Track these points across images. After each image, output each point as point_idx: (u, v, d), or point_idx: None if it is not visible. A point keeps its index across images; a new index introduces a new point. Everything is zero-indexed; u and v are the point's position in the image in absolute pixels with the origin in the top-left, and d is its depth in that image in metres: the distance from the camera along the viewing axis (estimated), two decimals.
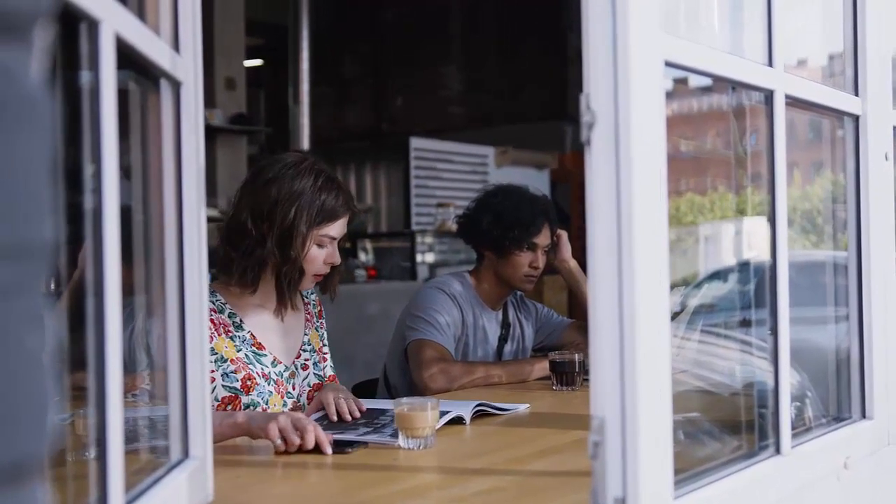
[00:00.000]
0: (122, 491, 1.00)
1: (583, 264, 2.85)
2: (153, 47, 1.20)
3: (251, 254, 2.25)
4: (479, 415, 2.22)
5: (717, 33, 1.67)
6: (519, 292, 3.18)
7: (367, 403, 2.26)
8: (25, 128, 0.60)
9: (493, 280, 3.06)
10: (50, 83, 0.64)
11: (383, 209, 8.35)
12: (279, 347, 2.36)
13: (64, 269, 1.18)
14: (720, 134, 1.95)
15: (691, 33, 1.45)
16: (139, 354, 1.51)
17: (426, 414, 1.87)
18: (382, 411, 2.18)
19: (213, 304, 2.28)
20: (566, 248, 3.13)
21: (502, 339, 3.12)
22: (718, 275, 2.44)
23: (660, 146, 1.17)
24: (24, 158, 0.60)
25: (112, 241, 0.98)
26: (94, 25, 0.96)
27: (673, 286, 1.21)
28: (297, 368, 2.39)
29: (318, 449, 1.88)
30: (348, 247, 6.69)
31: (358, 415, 2.14)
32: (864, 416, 1.79)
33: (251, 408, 2.22)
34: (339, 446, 1.89)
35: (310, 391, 2.39)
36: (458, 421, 2.13)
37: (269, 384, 2.28)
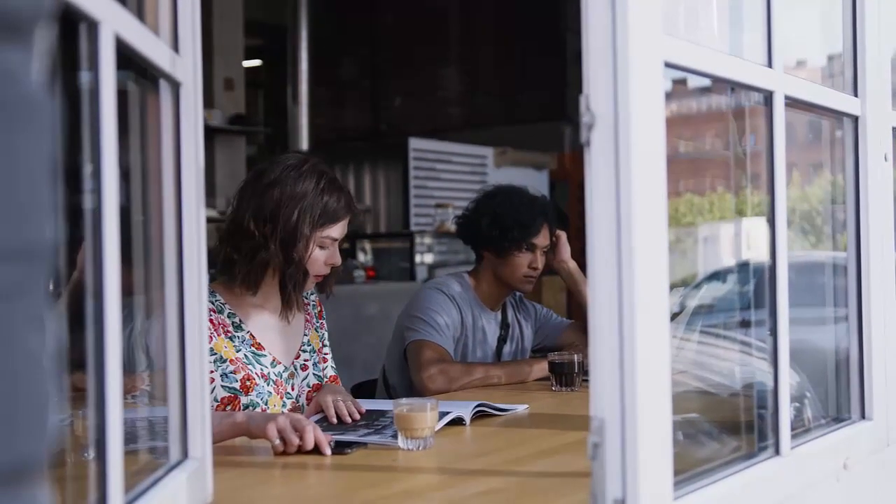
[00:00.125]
0: (121, 492, 1.00)
1: (582, 265, 2.85)
2: (153, 48, 1.20)
3: (254, 256, 2.25)
4: (479, 415, 2.22)
5: (716, 34, 1.67)
6: (518, 293, 3.18)
7: (367, 404, 2.26)
8: (27, 129, 0.60)
9: (492, 281, 3.06)
10: (50, 84, 0.64)
11: (382, 210, 8.35)
12: (278, 348, 2.36)
13: (63, 269, 1.17)
14: (719, 135, 1.95)
15: (691, 34, 1.45)
16: (138, 355, 1.51)
17: (425, 415, 1.87)
18: (382, 412, 2.18)
19: (213, 304, 2.28)
20: (565, 249, 3.12)
21: (501, 340, 3.12)
22: (717, 275, 2.44)
23: (659, 147, 1.17)
24: (26, 159, 0.60)
25: (112, 242, 0.98)
26: (93, 26, 0.96)
27: (672, 287, 1.21)
28: (296, 369, 2.39)
29: (317, 450, 1.88)
30: (347, 247, 6.68)
31: (357, 417, 2.14)
32: (863, 416, 1.79)
33: (250, 408, 2.22)
34: (338, 447, 1.89)
35: (309, 392, 2.39)
36: (457, 422, 2.13)
37: (268, 385, 2.28)
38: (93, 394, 0.98)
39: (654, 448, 1.14)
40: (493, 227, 2.98)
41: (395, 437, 1.91)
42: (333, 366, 2.53)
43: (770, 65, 1.49)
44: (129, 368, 1.24)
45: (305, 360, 2.42)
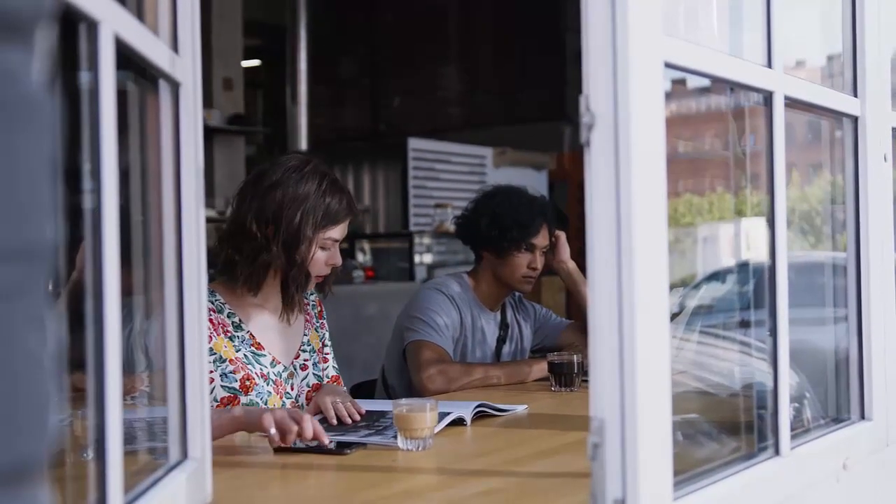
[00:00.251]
0: (121, 492, 1.00)
1: (581, 265, 2.85)
2: (152, 48, 1.20)
3: (256, 258, 2.25)
4: (478, 416, 2.21)
5: (716, 34, 1.67)
6: (517, 293, 3.18)
7: (367, 405, 2.26)
8: (27, 129, 0.60)
9: (491, 281, 3.06)
10: (50, 84, 0.64)
11: (381, 210, 8.35)
12: (278, 348, 2.36)
13: (62, 269, 1.17)
14: (718, 135, 1.95)
15: (690, 34, 1.45)
16: (137, 355, 1.51)
17: (425, 415, 1.87)
18: (383, 413, 2.18)
19: (213, 303, 2.28)
20: (564, 249, 3.12)
21: (500, 340, 3.11)
22: (717, 276, 2.44)
23: (659, 147, 1.17)
24: (26, 159, 0.60)
25: (111, 242, 0.98)
26: (93, 26, 0.96)
27: (671, 287, 1.21)
28: (296, 369, 2.39)
29: (316, 450, 1.88)
30: (345, 248, 6.68)
31: (357, 417, 2.14)
32: (863, 417, 1.79)
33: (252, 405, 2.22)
34: (339, 447, 1.89)
35: (309, 391, 2.39)
36: (457, 422, 2.13)
37: (267, 384, 2.28)
38: (92, 394, 0.98)
39: (654, 448, 1.14)
40: (493, 227, 2.98)
41: (396, 437, 1.91)
42: (335, 366, 2.53)
43: (770, 65, 1.49)
44: (128, 369, 1.24)
45: (305, 360, 2.42)
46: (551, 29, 8.71)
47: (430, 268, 7.09)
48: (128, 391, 1.23)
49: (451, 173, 7.99)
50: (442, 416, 2.04)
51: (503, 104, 9.24)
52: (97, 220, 0.97)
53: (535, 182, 7.07)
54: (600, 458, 1.12)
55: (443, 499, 1.59)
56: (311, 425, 1.86)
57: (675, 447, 1.19)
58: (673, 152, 1.26)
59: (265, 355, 2.31)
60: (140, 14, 1.21)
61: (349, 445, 1.90)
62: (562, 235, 3.13)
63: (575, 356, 2.69)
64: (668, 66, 1.21)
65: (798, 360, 1.60)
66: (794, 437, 1.52)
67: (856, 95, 1.79)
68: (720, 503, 1.32)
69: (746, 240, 1.87)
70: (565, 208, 7.10)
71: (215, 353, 2.22)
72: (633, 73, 1.11)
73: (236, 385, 2.23)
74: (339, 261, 2.35)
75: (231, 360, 2.24)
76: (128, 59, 1.11)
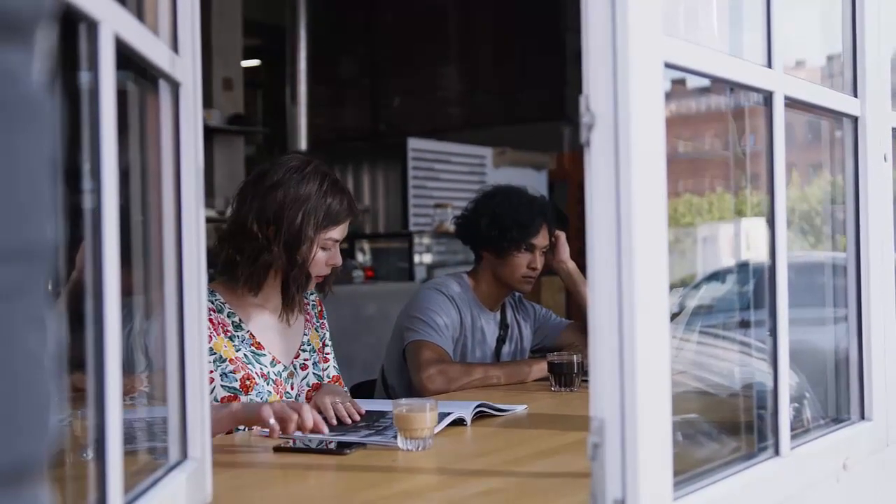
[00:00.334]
0: (120, 492, 1.00)
1: (581, 265, 2.85)
2: (152, 48, 1.20)
3: (257, 258, 2.25)
4: (478, 416, 2.21)
5: (716, 34, 1.67)
6: (517, 293, 3.18)
7: (366, 405, 2.26)
8: (27, 129, 0.60)
9: (491, 281, 3.06)
10: (51, 84, 0.64)
11: (381, 210, 8.35)
12: (278, 347, 2.36)
13: (62, 269, 1.17)
14: (718, 135, 1.95)
15: (690, 34, 1.45)
16: (137, 355, 1.51)
17: (425, 415, 1.87)
18: (383, 413, 2.18)
19: (213, 303, 2.28)
20: (564, 249, 3.12)
21: (500, 340, 3.11)
22: (717, 276, 2.44)
23: (659, 147, 1.17)
24: (26, 160, 0.60)
25: (111, 242, 0.98)
26: (93, 26, 0.96)
27: (671, 287, 1.21)
28: (296, 368, 2.39)
29: (316, 450, 1.88)
30: (345, 248, 6.68)
31: (357, 418, 2.14)
32: (863, 417, 1.79)
33: None
34: (339, 447, 1.89)
35: (309, 391, 2.39)
36: (457, 422, 2.13)
37: (267, 384, 2.28)
38: (92, 394, 0.98)
39: (654, 448, 1.14)
40: (492, 227, 2.98)
41: (396, 437, 1.91)
42: (336, 366, 2.54)
43: (770, 65, 1.49)
44: (127, 369, 1.24)
45: (305, 360, 2.42)
46: (551, 29, 8.71)
47: (430, 268, 7.09)
48: (127, 391, 1.23)
49: (450, 173, 7.99)
50: (442, 416, 2.04)
51: (503, 104, 9.24)
52: (97, 220, 0.97)
53: (534, 182, 7.07)
54: (600, 458, 1.12)
55: (443, 499, 1.59)
56: (310, 414, 1.87)
57: (675, 447, 1.19)
58: (673, 152, 1.26)
59: (265, 355, 2.32)
60: (140, 14, 1.21)
61: (349, 445, 1.90)
62: (562, 235, 3.13)
63: (575, 356, 2.69)
64: (668, 66, 1.21)
65: (798, 360, 1.60)
66: (794, 437, 1.52)
67: (856, 95, 1.79)
68: (720, 503, 1.32)
69: (746, 240, 1.87)
70: (565, 208, 7.11)
71: (215, 353, 2.22)
72: (633, 73, 1.11)
73: (236, 385, 2.23)
74: (339, 261, 2.35)
75: (231, 360, 2.25)
76: (128, 58, 1.10)
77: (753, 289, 1.73)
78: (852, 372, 1.81)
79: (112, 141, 0.98)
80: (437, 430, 1.96)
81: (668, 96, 1.21)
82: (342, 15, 9.85)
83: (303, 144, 8.03)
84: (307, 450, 1.89)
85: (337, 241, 2.33)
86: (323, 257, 2.31)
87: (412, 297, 3.04)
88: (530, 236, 2.98)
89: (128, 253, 1.22)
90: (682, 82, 1.43)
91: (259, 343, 2.32)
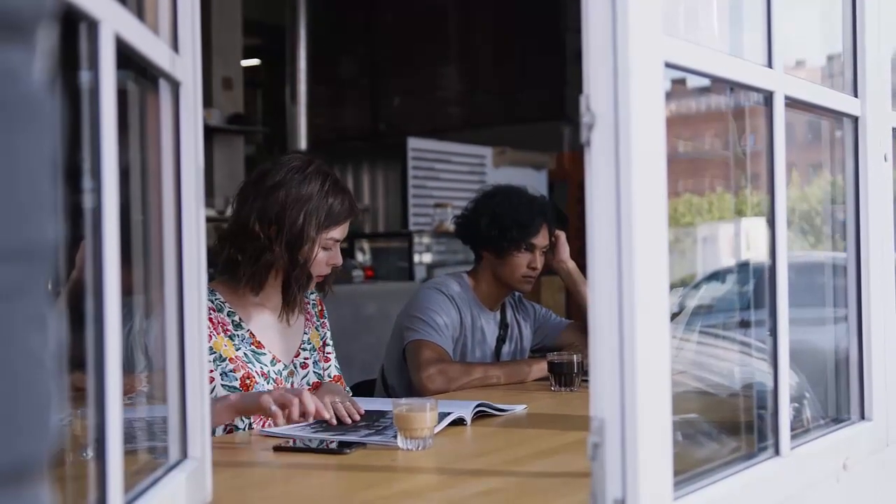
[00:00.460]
0: (121, 491, 1.00)
1: (581, 265, 2.85)
2: (152, 47, 1.20)
3: (258, 258, 2.26)
4: (478, 415, 2.21)
5: (716, 34, 1.67)
6: (517, 293, 3.18)
7: (367, 404, 2.26)
8: (29, 129, 0.60)
9: (491, 281, 3.06)
10: (51, 83, 0.64)
11: (381, 209, 8.35)
12: (278, 346, 2.36)
13: (62, 268, 1.17)
14: (718, 135, 1.95)
15: (691, 34, 1.45)
16: (137, 355, 1.51)
17: (425, 415, 1.86)
18: (383, 413, 2.18)
19: (213, 302, 2.28)
20: (564, 249, 3.13)
21: (500, 340, 3.11)
22: (717, 276, 2.44)
23: (660, 147, 1.17)
24: (28, 159, 0.60)
25: (111, 241, 0.98)
26: (93, 25, 0.96)
27: (671, 287, 1.21)
28: (296, 367, 2.39)
29: (316, 450, 1.88)
30: (345, 247, 6.67)
31: (357, 417, 2.14)
32: (863, 417, 1.79)
33: None
34: (338, 447, 1.89)
35: (309, 390, 2.39)
36: (457, 422, 2.13)
37: (268, 383, 2.28)
38: (93, 393, 0.98)
39: (654, 448, 1.14)
40: (492, 226, 2.98)
41: (396, 437, 1.91)
42: (337, 365, 2.54)
43: (770, 65, 1.49)
44: (127, 368, 1.24)
45: (305, 359, 2.42)
46: (551, 29, 8.71)
47: (430, 267, 7.09)
48: (127, 391, 1.23)
49: (450, 173, 7.99)
50: (442, 415, 2.04)
51: (503, 104, 9.24)
52: (97, 220, 0.97)
53: (534, 182, 7.07)
54: (600, 457, 1.12)
55: (442, 499, 1.59)
56: (311, 399, 1.87)
57: (675, 447, 1.19)
58: (673, 152, 1.26)
59: (265, 354, 2.32)
60: (140, 13, 1.21)
61: (349, 445, 1.90)
62: (561, 235, 3.13)
63: (575, 356, 2.69)
64: (669, 65, 1.21)
65: (798, 360, 1.60)
66: (794, 437, 1.52)
67: (856, 95, 1.79)
68: (720, 503, 1.32)
69: (746, 240, 1.87)
70: (565, 208, 7.11)
71: (215, 352, 2.23)
72: (634, 73, 1.11)
73: (236, 384, 2.23)
74: (339, 260, 2.36)
75: (231, 359, 2.25)
76: (128, 58, 1.10)
77: (753, 289, 1.73)
78: (852, 372, 1.81)
79: (112, 140, 0.98)
80: (437, 429, 1.96)
81: (669, 96, 1.21)
82: (342, 15, 9.85)
83: (303, 144, 8.03)
84: (307, 449, 1.89)
85: (338, 240, 2.34)
86: (324, 257, 2.32)
87: (412, 296, 3.04)
88: (530, 236, 2.98)
89: (128, 252, 1.22)
90: (682, 82, 1.43)
91: (259, 342, 2.32)
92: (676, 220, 1.56)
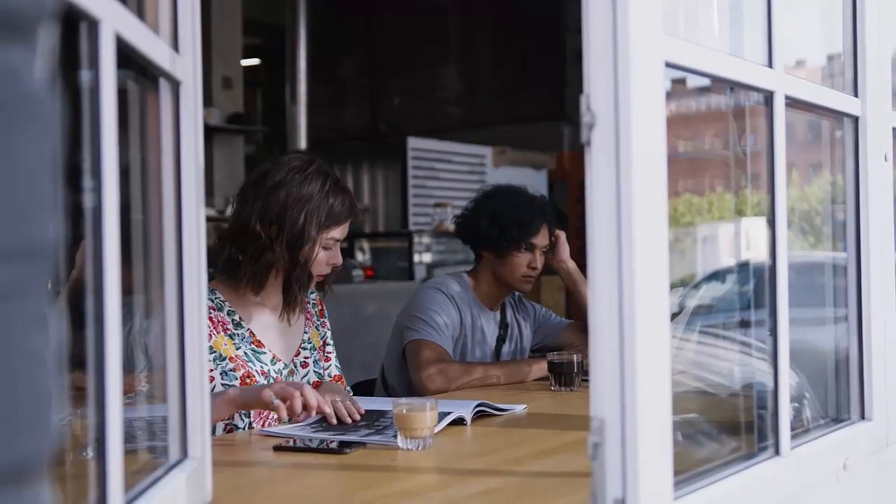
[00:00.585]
0: (121, 491, 1.00)
1: (581, 265, 2.85)
2: (153, 47, 1.20)
3: (259, 258, 2.26)
4: (478, 415, 2.21)
5: (716, 34, 1.67)
6: (517, 293, 3.18)
7: (367, 403, 2.26)
8: (30, 128, 0.60)
9: (491, 280, 3.06)
10: (52, 83, 0.64)
11: (381, 209, 8.35)
12: (278, 345, 2.37)
13: (62, 268, 1.17)
14: (718, 134, 1.95)
15: (691, 34, 1.45)
16: (136, 355, 1.51)
17: (425, 414, 1.86)
18: (383, 412, 2.18)
19: (212, 301, 2.28)
20: (564, 249, 3.13)
21: (500, 340, 3.11)
22: (717, 276, 2.44)
23: (660, 147, 1.17)
24: (29, 159, 0.60)
25: (112, 241, 0.98)
26: (94, 25, 0.96)
27: (671, 287, 1.21)
28: (296, 366, 2.39)
29: (316, 450, 1.88)
30: (345, 247, 6.67)
31: (357, 417, 2.14)
32: (863, 417, 1.79)
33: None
34: (338, 446, 1.89)
35: None
36: (457, 421, 2.13)
37: (268, 382, 2.28)
38: (93, 393, 0.98)
39: (655, 448, 1.14)
40: (492, 226, 2.98)
41: (396, 437, 1.91)
42: (338, 365, 2.54)
43: (770, 65, 1.49)
44: (127, 368, 1.24)
45: (306, 358, 2.42)
46: (551, 29, 8.71)
47: (430, 267, 7.09)
48: (127, 391, 1.23)
49: (450, 173, 7.99)
50: (442, 415, 2.04)
51: (503, 104, 9.24)
52: (98, 219, 0.97)
53: (534, 182, 7.06)
54: (600, 457, 1.12)
55: (442, 498, 1.59)
56: (312, 392, 1.88)
57: (675, 447, 1.19)
58: (673, 152, 1.26)
59: (265, 353, 2.32)
60: (141, 13, 1.21)
61: (349, 445, 1.90)
62: (561, 235, 3.13)
63: (575, 356, 2.69)
64: (669, 65, 1.21)
65: (798, 360, 1.60)
66: (794, 437, 1.52)
67: (856, 95, 1.79)
68: (720, 503, 1.32)
69: (746, 239, 1.87)
70: (565, 208, 7.11)
71: (215, 352, 2.23)
72: (634, 73, 1.11)
73: (236, 383, 2.23)
74: (340, 260, 2.36)
75: (231, 358, 2.25)
76: (128, 57, 1.10)
77: (753, 288, 1.73)
78: (852, 372, 1.81)
79: (113, 139, 0.98)
80: (436, 429, 1.96)
81: (669, 96, 1.21)
82: (342, 15, 9.85)
83: (302, 144, 8.03)
84: (307, 449, 1.89)
85: (338, 240, 2.34)
86: (324, 257, 2.32)
87: (412, 296, 3.04)
88: (530, 236, 2.98)
89: (128, 252, 1.22)
90: (682, 82, 1.43)
91: (259, 341, 2.32)
92: (676, 220, 1.56)
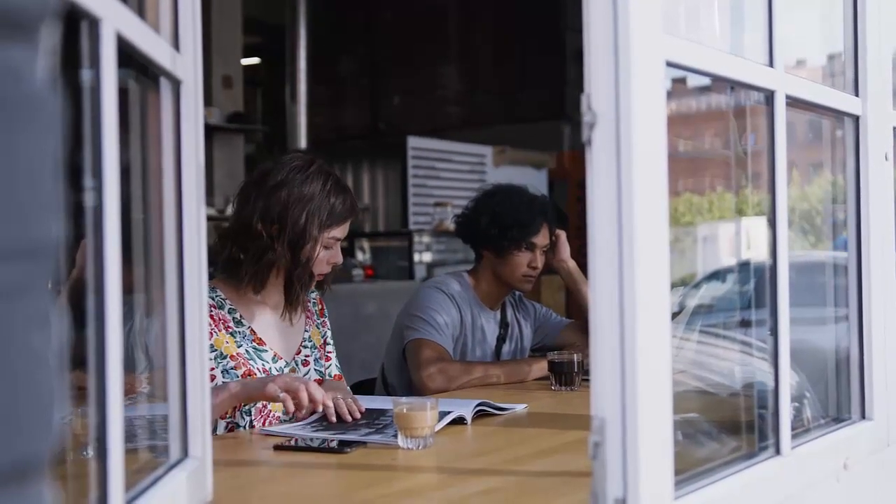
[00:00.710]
0: (121, 490, 1.00)
1: (581, 264, 2.85)
2: (154, 46, 1.20)
3: (261, 257, 2.26)
4: (478, 415, 2.21)
5: (717, 33, 1.67)
6: (517, 292, 3.17)
7: (367, 402, 2.26)
8: (32, 127, 0.60)
9: (491, 280, 3.06)
10: (53, 82, 0.64)
11: (381, 209, 8.35)
12: (279, 344, 2.37)
13: (63, 267, 1.17)
14: (719, 134, 1.95)
15: (692, 33, 1.45)
16: (137, 354, 1.51)
17: (425, 414, 1.87)
18: (383, 411, 2.18)
19: (213, 299, 2.28)
20: (565, 248, 3.12)
21: (500, 339, 3.11)
22: (717, 275, 2.44)
23: (661, 146, 1.17)
24: (31, 158, 0.60)
25: (113, 240, 0.98)
26: (95, 24, 0.96)
27: (672, 286, 1.21)
28: (297, 365, 2.39)
29: (316, 449, 1.88)
30: (345, 246, 6.66)
31: (358, 415, 2.14)
32: (863, 416, 1.79)
33: (251, 405, 2.22)
34: (339, 446, 1.89)
35: None
36: (457, 421, 2.13)
37: None
38: (94, 392, 0.98)
39: (655, 447, 1.14)
40: (493, 226, 2.98)
41: (396, 436, 1.91)
42: (337, 364, 2.54)
43: (771, 64, 1.49)
44: (128, 367, 1.24)
45: (307, 356, 2.43)
46: (551, 29, 8.70)
47: (430, 266, 7.09)
48: (127, 392, 1.23)
49: (450, 172, 7.99)
50: (442, 415, 2.04)
51: (503, 104, 9.24)
52: (98, 218, 0.97)
53: (534, 181, 7.06)
54: (601, 457, 1.12)
55: (443, 498, 1.59)
56: (316, 387, 1.89)
57: (675, 446, 1.19)
58: (673, 151, 1.26)
59: (266, 351, 2.32)
60: (141, 12, 1.21)
61: (349, 444, 1.90)
62: (562, 234, 3.13)
63: (575, 355, 2.69)
64: (670, 64, 1.21)
65: (798, 359, 1.60)
66: (794, 436, 1.52)
67: (857, 94, 1.79)
68: (720, 503, 1.32)
69: (747, 239, 1.87)
70: (565, 207, 7.11)
71: (216, 350, 2.23)
72: (635, 72, 1.11)
73: None
74: (340, 259, 2.37)
75: (232, 356, 2.25)
76: (129, 56, 1.10)
77: (754, 288, 1.73)
78: (853, 371, 1.81)
79: (113, 139, 0.98)
80: (437, 428, 1.96)
81: (669, 95, 1.21)
82: (342, 14, 9.85)
83: (302, 143, 8.03)
84: (307, 448, 1.89)
85: (339, 239, 2.35)
86: (325, 256, 2.33)
87: (412, 295, 3.04)
88: (531, 235, 2.98)
89: (129, 251, 1.22)
90: (682, 81, 1.43)
91: (260, 339, 2.32)
92: (677, 220, 1.56)
